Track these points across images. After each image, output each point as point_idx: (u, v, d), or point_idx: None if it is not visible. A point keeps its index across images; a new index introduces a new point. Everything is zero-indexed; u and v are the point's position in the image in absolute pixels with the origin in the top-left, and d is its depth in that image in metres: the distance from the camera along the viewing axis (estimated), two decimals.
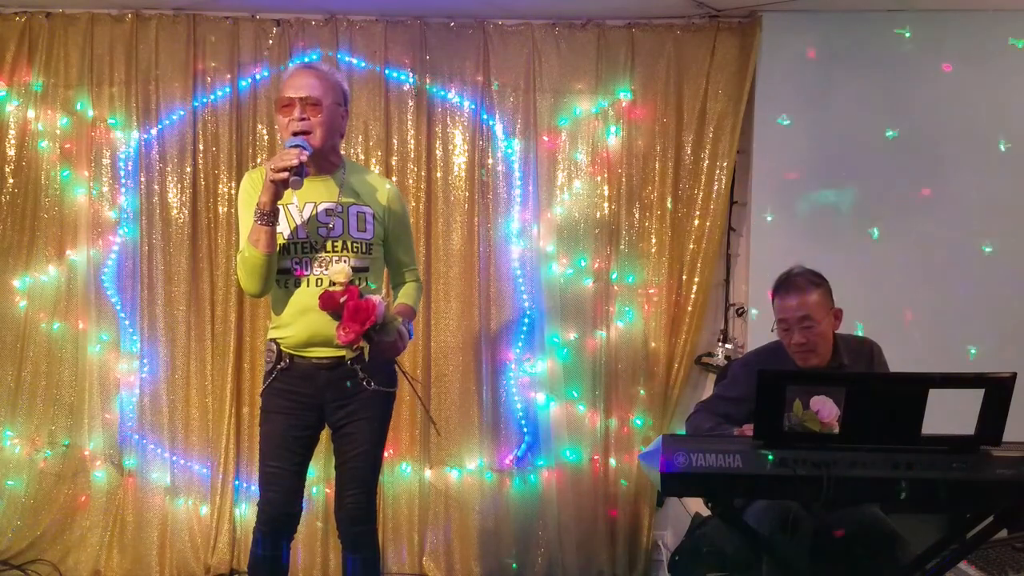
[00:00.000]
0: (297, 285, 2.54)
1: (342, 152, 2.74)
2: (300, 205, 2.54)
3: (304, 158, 2.38)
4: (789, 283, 2.69)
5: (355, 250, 2.55)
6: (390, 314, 2.42)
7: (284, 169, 2.34)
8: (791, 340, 2.66)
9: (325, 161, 2.57)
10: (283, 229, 2.51)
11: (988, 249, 3.66)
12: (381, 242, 2.65)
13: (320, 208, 2.54)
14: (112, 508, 3.73)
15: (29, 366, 3.74)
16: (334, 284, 2.47)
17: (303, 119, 2.47)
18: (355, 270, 2.54)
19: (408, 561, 3.75)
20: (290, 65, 3.67)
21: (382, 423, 2.67)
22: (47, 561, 3.67)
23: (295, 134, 2.47)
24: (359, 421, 2.59)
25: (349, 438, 2.60)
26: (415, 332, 3.71)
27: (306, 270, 2.53)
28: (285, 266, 2.53)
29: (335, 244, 2.53)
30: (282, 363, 2.57)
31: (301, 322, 2.53)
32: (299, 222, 2.53)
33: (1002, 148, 3.66)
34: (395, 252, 2.71)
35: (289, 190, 2.44)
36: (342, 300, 2.37)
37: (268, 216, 2.42)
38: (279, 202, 2.46)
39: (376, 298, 2.38)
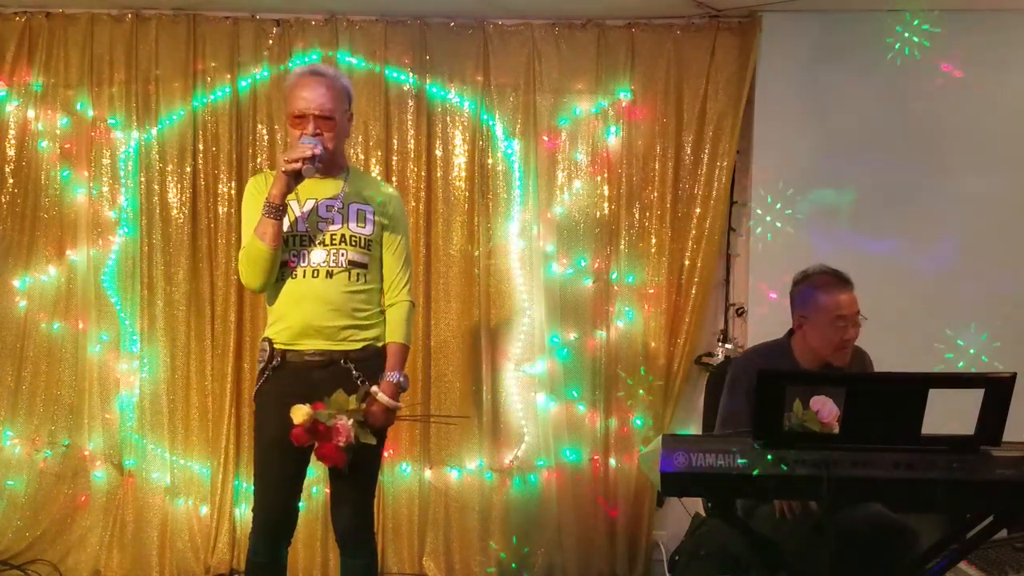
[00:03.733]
0: (294, 277, 2.55)
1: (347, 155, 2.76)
2: (302, 201, 2.56)
3: (318, 151, 2.42)
4: (841, 278, 2.70)
5: (353, 243, 2.56)
6: (363, 424, 2.51)
7: (297, 159, 2.39)
8: (845, 336, 2.64)
9: (332, 164, 2.59)
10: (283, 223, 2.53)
11: (988, 248, 3.66)
12: (380, 241, 2.65)
13: (322, 203, 2.56)
14: (112, 508, 3.73)
15: (29, 366, 3.74)
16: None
17: (316, 134, 2.49)
18: (353, 264, 2.55)
19: (408, 561, 3.75)
20: (291, 67, 3.66)
21: (379, 428, 2.66)
22: (47, 561, 3.67)
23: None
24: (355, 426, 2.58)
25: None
26: (415, 333, 3.70)
27: (303, 261, 2.54)
28: (284, 259, 2.54)
29: (333, 237, 2.55)
30: (274, 361, 2.57)
31: (295, 312, 2.54)
32: (299, 216, 2.54)
33: (1002, 148, 3.66)
34: (388, 262, 2.66)
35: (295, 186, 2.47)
36: (310, 445, 2.51)
37: (277, 209, 2.44)
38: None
39: (341, 423, 2.47)
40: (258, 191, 2.54)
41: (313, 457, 2.64)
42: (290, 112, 2.54)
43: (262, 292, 2.61)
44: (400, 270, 2.67)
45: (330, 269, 2.53)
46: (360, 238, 2.57)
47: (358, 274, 2.57)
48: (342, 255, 2.54)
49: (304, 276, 2.53)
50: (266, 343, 2.60)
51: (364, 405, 2.53)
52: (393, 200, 2.69)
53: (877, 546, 2.54)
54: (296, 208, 2.55)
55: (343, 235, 2.55)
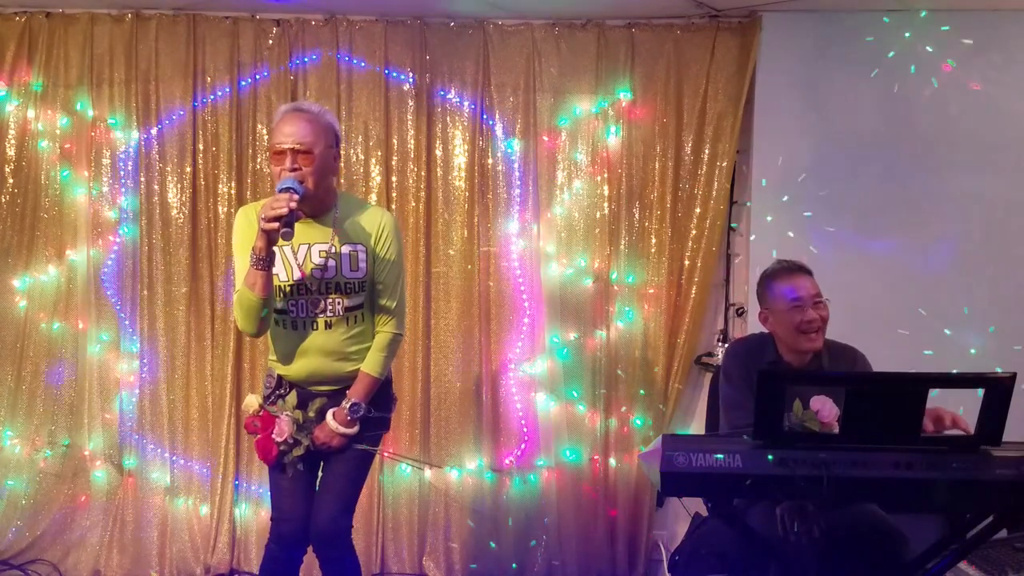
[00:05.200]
0: (295, 327, 2.57)
1: (336, 186, 2.70)
2: (294, 247, 2.54)
3: (294, 204, 2.35)
4: (793, 266, 2.74)
5: (347, 290, 2.56)
6: (305, 431, 2.57)
7: (275, 218, 2.33)
8: (805, 317, 2.64)
9: (319, 203, 2.56)
10: (278, 271, 2.52)
11: (988, 249, 3.66)
12: (372, 277, 2.63)
13: (314, 250, 2.54)
14: (112, 508, 3.73)
15: (29, 366, 3.74)
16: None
17: (295, 169, 2.45)
18: (348, 309, 2.57)
19: (408, 561, 3.75)
20: (291, 67, 3.68)
21: (372, 444, 2.68)
22: (47, 561, 3.67)
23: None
24: (350, 443, 2.61)
25: (336, 458, 2.62)
26: (415, 332, 3.72)
27: (303, 313, 2.55)
28: (282, 307, 2.56)
29: (328, 286, 2.55)
30: (281, 390, 2.63)
31: (299, 363, 2.59)
32: (294, 264, 2.54)
33: (1002, 147, 3.65)
34: (377, 289, 2.63)
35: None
36: (253, 436, 2.62)
37: (264, 261, 2.41)
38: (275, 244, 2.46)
39: (282, 419, 2.54)
40: (248, 225, 2.52)
41: (290, 474, 2.66)
42: (270, 148, 2.53)
43: (259, 337, 2.66)
44: (387, 301, 2.63)
45: (328, 320, 2.55)
46: (354, 283, 2.57)
47: (354, 317, 2.59)
48: (338, 304, 2.56)
49: (304, 328, 2.56)
50: (273, 372, 2.66)
51: (313, 416, 2.58)
52: (385, 231, 2.61)
53: (864, 548, 2.53)
54: (291, 256, 2.54)
55: (338, 283, 2.55)
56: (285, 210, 2.32)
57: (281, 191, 2.38)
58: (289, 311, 2.56)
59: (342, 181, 3.68)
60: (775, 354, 2.76)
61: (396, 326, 2.66)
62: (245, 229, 2.54)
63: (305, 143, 2.45)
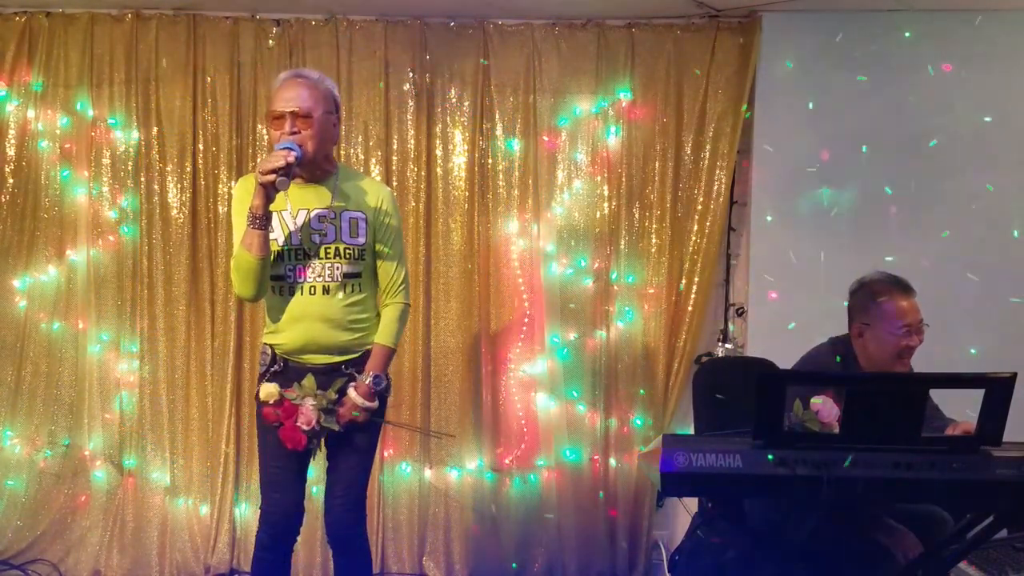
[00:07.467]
0: (292, 293, 2.55)
1: (336, 158, 2.71)
2: (293, 212, 2.54)
3: (292, 159, 2.37)
4: (905, 285, 2.63)
5: (347, 256, 2.56)
6: (329, 413, 2.54)
7: (271, 171, 2.34)
8: (907, 343, 2.57)
9: (318, 170, 2.57)
10: (277, 236, 2.52)
11: (989, 248, 3.66)
12: (373, 248, 2.63)
13: (313, 214, 2.54)
14: (112, 508, 3.73)
15: (29, 366, 3.74)
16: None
17: (294, 132, 2.46)
18: (347, 276, 2.55)
19: (408, 561, 3.75)
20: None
21: (375, 426, 2.67)
22: (47, 561, 3.67)
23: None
24: (371, 419, 2.60)
25: (342, 447, 2.62)
26: (415, 333, 3.72)
27: (300, 277, 2.54)
28: (279, 273, 2.55)
29: (327, 250, 2.54)
30: (276, 366, 2.60)
31: (295, 329, 2.56)
32: (292, 229, 2.53)
33: (1001, 148, 3.66)
34: (383, 266, 2.64)
35: (281, 195, 2.44)
36: (276, 426, 2.55)
37: (260, 220, 2.42)
38: (274, 209, 2.46)
39: (306, 406, 2.50)
40: (246, 193, 2.52)
41: (314, 458, 2.66)
42: (269, 114, 2.53)
43: (255, 301, 2.62)
44: (395, 273, 2.65)
45: (326, 284, 2.54)
46: (354, 249, 2.57)
47: (352, 285, 2.58)
48: (336, 268, 2.55)
49: (301, 293, 2.54)
50: (268, 348, 2.63)
51: (336, 397, 2.55)
52: (385, 201, 2.65)
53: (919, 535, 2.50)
54: (288, 220, 2.54)
55: (337, 248, 2.55)
56: (282, 163, 2.35)
57: (279, 150, 2.39)
58: (287, 276, 2.54)
59: None
60: (856, 367, 2.67)
61: (405, 296, 2.68)
62: (243, 198, 2.53)
63: (304, 108, 2.46)
